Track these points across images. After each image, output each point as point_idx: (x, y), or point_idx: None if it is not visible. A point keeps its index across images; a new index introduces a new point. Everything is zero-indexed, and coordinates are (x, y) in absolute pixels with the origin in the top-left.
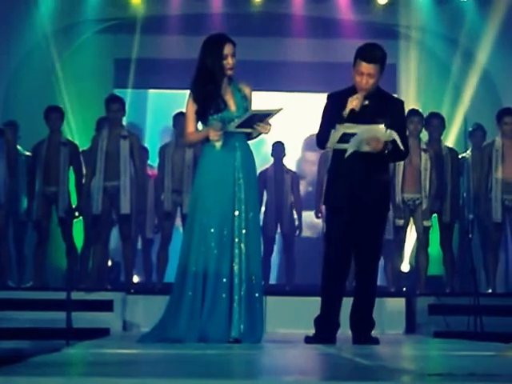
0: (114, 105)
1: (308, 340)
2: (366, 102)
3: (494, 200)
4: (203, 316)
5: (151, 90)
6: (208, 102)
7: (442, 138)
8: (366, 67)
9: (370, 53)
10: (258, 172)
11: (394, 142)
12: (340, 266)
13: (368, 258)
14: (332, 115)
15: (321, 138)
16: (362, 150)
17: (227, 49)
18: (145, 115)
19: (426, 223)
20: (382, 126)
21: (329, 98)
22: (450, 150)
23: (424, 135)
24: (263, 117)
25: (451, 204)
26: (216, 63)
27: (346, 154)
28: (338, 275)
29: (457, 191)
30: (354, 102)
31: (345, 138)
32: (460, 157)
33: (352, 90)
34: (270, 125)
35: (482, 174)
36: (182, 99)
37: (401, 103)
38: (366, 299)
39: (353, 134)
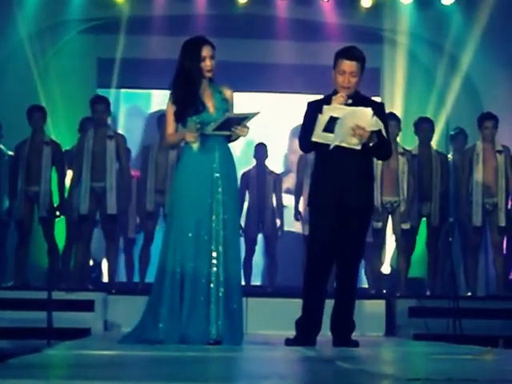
0: (99, 105)
1: (288, 342)
2: (350, 101)
3: (475, 204)
4: (182, 318)
5: (123, 90)
6: (186, 104)
7: (431, 142)
8: (348, 65)
9: (350, 52)
10: (241, 173)
11: (378, 134)
12: (323, 268)
13: (351, 260)
14: (313, 121)
15: (304, 139)
16: (347, 142)
17: (205, 51)
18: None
19: (404, 226)
20: (369, 110)
21: (309, 105)
22: (440, 153)
23: (414, 139)
24: (240, 120)
25: (440, 208)
26: (194, 65)
27: (331, 147)
28: (320, 277)
29: (446, 195)
30: (338, 99)
31: (331, 125)
32: None
33: (332, 97)
34: (247, 128)
35: (462, 178)
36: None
37: (382, 105)
38: (347, 301)
39: (338, 118)
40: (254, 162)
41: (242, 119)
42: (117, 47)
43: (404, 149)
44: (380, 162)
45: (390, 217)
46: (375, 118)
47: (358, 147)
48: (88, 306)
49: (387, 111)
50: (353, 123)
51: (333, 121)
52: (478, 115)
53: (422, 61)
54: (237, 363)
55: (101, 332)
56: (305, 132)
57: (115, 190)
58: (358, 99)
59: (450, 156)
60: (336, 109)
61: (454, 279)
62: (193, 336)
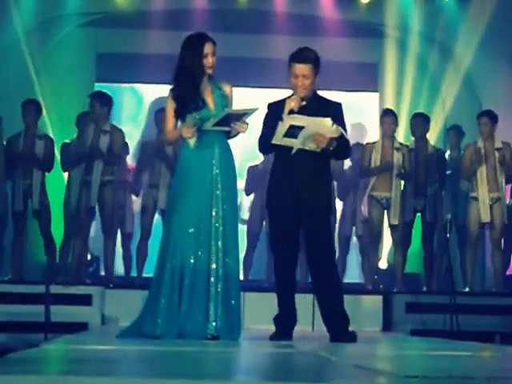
0: (93, 100)
1: (272, 337)
2: (304, 103)
3: (482, 201)
4: (181, 313)
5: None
6: (187, 101)
7: (427, 137)
8: (299, 68)
9: (301, 54)
10: (247, 167)
11: (337, 139)
12: (288, 264)
13: (323, 258)
14: (273, 122)
15: (264, 141)
16: (307, 147)
17: (207, 48)
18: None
19: (393, 221)
20: (328, 120)
21: (269, 106)
22: (437, 149)
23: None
24: (239, 116)
25: (434, 203)
26: (196, 62)
27: (293, 151)
28: (288, 273)
29: (441, 190)
30: (292, 103)
31: (291, 131)
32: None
33: (289, 96)
34: (246, 124)
35: (462, 174)
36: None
37: (339, 105)
38: (333, 297)
39: (299, 127)
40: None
41: (242, 115)
42: (116, 41)
43: (401, 144)
44: (378, 157)
45: (386, 212)
46: (335, 125)
47: (318, 150)
48: (85, 300)
49: (384, 107)
50: (315, 131)
51: (292, 129)
52: (475, 111)
53: (420, 56)
54: (235, 359)
55: (98, 326)
56: (265, 134)
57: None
58: (314, 100)
59: (448, 152)
60: (296, 118)
61: (451, 275)
62: (191, 331)
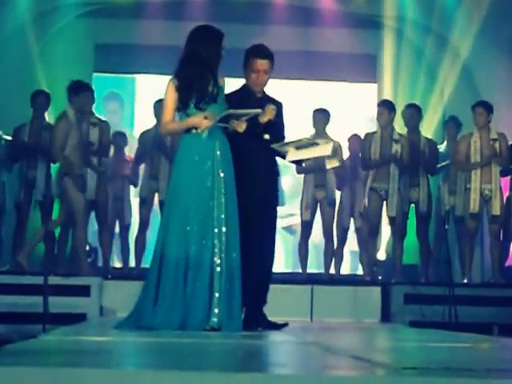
0: (90, 92)
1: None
2: (274, 113)
3: (473, 191)
4: (182, 304)
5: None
6: (202, 91)
7: (420, 128)
8: (261, 63)
9: (262, 50)
10: None
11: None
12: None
13: (272, 248)
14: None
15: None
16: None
17: (224, 42)
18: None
19: (390, 213)
20: (331, 145)
21: (229, 98)
22: (429, 140)
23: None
24: (239, 116)
25: (428, 194)
26: (215, 55)
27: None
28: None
29: (435, 182)
30: (272, 113)
31: (305, 144)
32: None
33: (245, 90)
34: (244, 123)
35: (460, 165)
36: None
37: (281, 105)
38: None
39: (314, 143)
40: None
41: (241, 115)
42: (114, 32)
43: (400, 135)
44: (377, 148)
45: (384, 203)
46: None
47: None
48: (84, 291)
49: (382, 98)
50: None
51: (308, 143)
52: (474, 102)
53: (419, 47)
54: (235, 350)
55: (96, 317)
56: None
57: (96, 177)
58: (266, 97)
59: (445, 143)
60: (320, 138)
61: (449, 266)
62: (191, 322)
